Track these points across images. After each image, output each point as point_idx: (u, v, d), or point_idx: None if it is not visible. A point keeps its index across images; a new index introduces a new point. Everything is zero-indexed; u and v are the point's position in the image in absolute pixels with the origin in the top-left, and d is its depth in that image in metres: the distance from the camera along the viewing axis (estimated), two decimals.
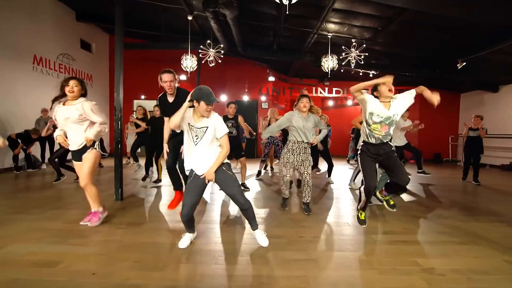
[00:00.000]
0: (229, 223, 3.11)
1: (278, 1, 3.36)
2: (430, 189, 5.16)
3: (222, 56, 7.10)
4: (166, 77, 2.86)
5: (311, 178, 3.36)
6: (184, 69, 6.91)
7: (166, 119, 3.08)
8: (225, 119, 4.58)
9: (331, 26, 6.58)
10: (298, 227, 2.95)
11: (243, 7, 5.86)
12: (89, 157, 2.81)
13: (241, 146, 4.86)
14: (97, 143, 2.89)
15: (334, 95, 10.96)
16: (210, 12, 5.85)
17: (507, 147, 8.57)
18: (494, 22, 4.92)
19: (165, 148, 3.07)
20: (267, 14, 6.49)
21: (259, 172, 6.04)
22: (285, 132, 5.08)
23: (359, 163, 2.87)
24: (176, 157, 3.14)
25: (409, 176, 2.77)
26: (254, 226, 2.49)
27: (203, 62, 7.11)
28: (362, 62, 6.84)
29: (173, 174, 3.24)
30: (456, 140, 10.52)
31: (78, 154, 2.84)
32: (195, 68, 7.02)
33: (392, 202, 3.08)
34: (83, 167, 2.81)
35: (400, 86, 10.70)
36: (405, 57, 8.05)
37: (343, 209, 3.73)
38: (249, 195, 4.38)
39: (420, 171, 5.50)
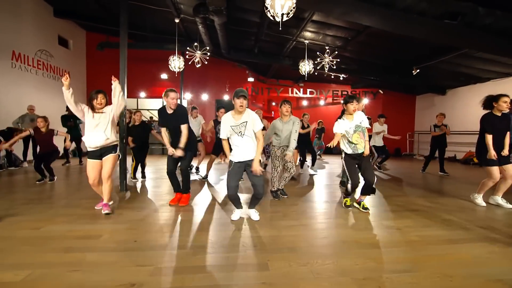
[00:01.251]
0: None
1: (272, 18, 3.91)
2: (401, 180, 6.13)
3: (208, 58, 7.54)
4: (173, 95, 3.33)
5: (293, 167, 3.85)
6: (172, 69, 7.24)
7: (163, 129, 3.54)
8: (216, 123, 5.15)
9: (308, 34, 7.35)
10: (289, 205, 3.60)
11: (230, 14, 6.37)
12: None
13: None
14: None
15: (308, 95, 11.85)
16: (199, 18, 6.29)
17: (452, 141, 10.06)
18: (438, 41, 6.01)
19: (171, 149, 3.44)
20: (251, 21, 7.07)
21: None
22: None
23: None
24: (176, 164, 3.58)
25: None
26: (251, 206, 3.04)
27: (190, 63, 7.48)
28: (334, 67, 7.73)
29: (173, 178, 3.63)
30: (413, 136, 11.99)
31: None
32: (182, 69, 7.37)
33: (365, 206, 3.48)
34: (107, 166, 3.15)
35: (365, 88, 11.93)
36: (370, 63, 9.11)
37: (324, 191, 4.46)
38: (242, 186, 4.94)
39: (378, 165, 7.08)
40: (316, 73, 9.23)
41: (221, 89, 11.18)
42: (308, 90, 11.80)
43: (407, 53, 7.68)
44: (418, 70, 7.93)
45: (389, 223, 2.94)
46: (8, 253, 2.16)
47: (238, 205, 3.02)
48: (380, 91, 11.64)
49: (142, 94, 10.72)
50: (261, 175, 2.82)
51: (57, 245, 2.31)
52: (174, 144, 3.47)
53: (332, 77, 9.82)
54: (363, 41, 7.26)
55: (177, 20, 7.00)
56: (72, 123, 7.16)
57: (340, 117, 3.41)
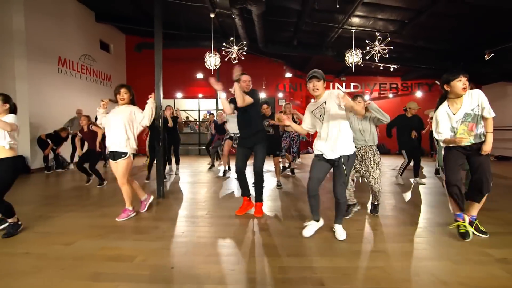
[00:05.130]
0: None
1: None
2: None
3: (245, 53, 7.10)
4: (245, 77, 3.20)
5: (377, 183, 2.99)
6: (208, 66, 6.93)
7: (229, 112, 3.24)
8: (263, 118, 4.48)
9: (356, 20, 6.52)
10: (351, 221, 2.96)
11: (268, 2, 5.84)
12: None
13: (280, 145, 4.90)
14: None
15: (352, 90, 10.88)
16: (236, 9, 5.85)
17: None
18: None
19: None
20: (291, 9, 6.46)
21: (284, 168, 5.87)
22: (275, 128, 4.68)
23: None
24: (246, 161, 3.19)
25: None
26: (336, 220, 2.53)
27: (226, 59, 7.11)
28: (387, 56, 6.79)
29: (242, 179, 3.18)
30: None
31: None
32: (218, 66, 7.03)
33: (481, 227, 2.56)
34: (118, 170, 3.04)
35: (418, 80, 10.59)
36: (428, 50, 7.93)
37: (386, 202, 3.73)
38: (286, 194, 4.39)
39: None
40: (362, 65, 8.32)
41: (257, 87, 10.70)
42: (352, 84, 10.83)
43: (479, 33, 6.46)
44: (492, 54, 6.65)
45: (496, 253, 2.17)
46: (36, 278, 1.87)
47: (314, 211, 2.56)
48: (437, 82, 10.21)
49: (179, 94, 10.68)
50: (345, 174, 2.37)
51: (86, 269, 1.98)
52: (244, 135, 3.17)
53: (381, 68, 8.80)
54: (423, 24, 6.23)
55: (212, 15, 6.67)
56: None
57: (440, 104, 2.50)
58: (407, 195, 4.12)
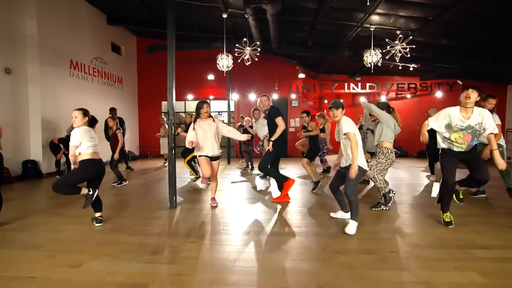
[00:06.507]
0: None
1: None
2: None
3: (258, 54, 6.85)
4: (262, 99, 4.04)
5: (378, 181, 3.51)
6: (220, 68, 6.72)
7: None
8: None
9: (375, 18, 6.19)
10: (381, 240, 2.68)
11: (284, 2, 5.58)
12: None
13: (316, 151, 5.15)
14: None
15: (368, 90, 10.48)
16: (250, 9, 5.62)
17: None
18: None
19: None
20: (307, 8, 6.18)
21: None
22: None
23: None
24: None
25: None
26: (352, 216, 2.87)
27: (239, 61, 6.88)
28: (408, 55, 6.40)
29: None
30: (505, 135, 9.79)
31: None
32: (230, 68, 6.82)
33: (461, 196, 3.19)
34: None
35: (438, 79, 10.10)
36: (450, 49, 7.50)
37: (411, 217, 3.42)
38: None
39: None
40: (379, 64, 7.96)
41: (269, 88, 10.45)
42: (368, 84, 10.43)
43: (506, 32, 6.02)
44: None
45: None
46: None
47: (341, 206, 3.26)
48: (458, 81, 9.73)
49: (190, 96, 10.55)
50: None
51: None
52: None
53: (400, 68, 8.40)
54: (449, 21, 5.85)
55: (224, 16, 6.45)
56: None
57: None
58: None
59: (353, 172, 2.69)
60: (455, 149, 2.82)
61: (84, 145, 2.95)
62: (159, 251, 2.50)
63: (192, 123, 3.68)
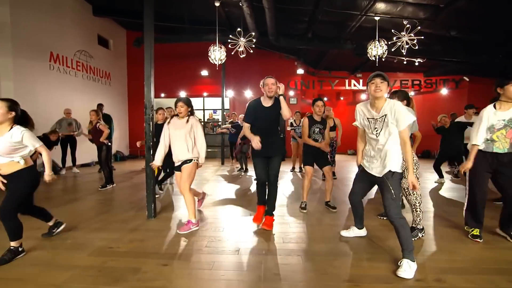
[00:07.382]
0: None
1: None
2: None
3: (253, 45, 6.32)
4: (271, 80, 2.87)
5: (418, 211, 2.62)
6: (212, 61, 6.19)
7: (246, 125, 2.94)
8: (311, 122, 3.55)
9: (381, 7, 5.68)
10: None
11: None
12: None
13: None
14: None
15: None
16: None
17: None
18: None
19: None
20: None
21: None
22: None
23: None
24: (266, 170, 2.91)
25: None
26: (405, 252, 2.01)
27: (232, 53, 6.35)
28: (416, 47, 5.90)
29: (262, 189, 2.98)
30: None
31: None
32: (223, 60, 6.28)
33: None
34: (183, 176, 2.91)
35: (444, 76, 9.63)
36: (460, 41, 7.00)
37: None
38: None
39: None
40: (383, 59, 7.46)
41: None
42: None
43: None
44: None
45: None
46: None
47: (358, 219, 2.62)
48: (465, 78, 9.24)
49: (183, 93, 9.99)
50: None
51: None
52: (265, 148, 2.79)
53: (405, 62, 7.90)
54: (461, 9, 5.34)
55: (217, 4, 5.93)
56: None
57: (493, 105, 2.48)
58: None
59: (415, 183, 2.00)
60: (495, 149, 2.43)
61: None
62: (121, 278, 1.97)
63: (168, 120, 3.06)
